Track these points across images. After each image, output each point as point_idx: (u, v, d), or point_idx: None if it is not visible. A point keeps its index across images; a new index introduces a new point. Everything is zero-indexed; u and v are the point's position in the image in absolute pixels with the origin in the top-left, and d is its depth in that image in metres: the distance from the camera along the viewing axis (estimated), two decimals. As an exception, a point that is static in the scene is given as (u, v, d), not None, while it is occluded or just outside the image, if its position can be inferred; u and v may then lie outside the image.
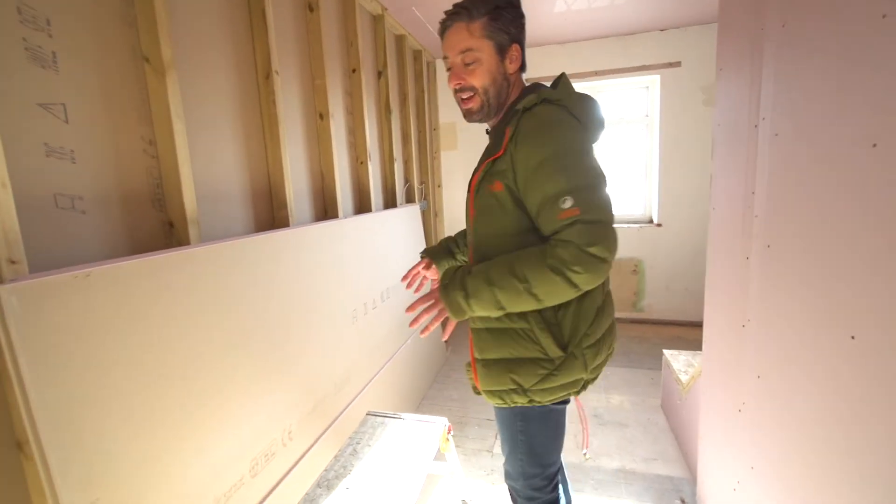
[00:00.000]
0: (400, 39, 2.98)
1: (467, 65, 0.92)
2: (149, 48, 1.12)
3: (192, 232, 1.19)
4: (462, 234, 1.23)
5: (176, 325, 1.02)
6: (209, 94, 1.35)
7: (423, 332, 0.91)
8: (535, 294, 0.81)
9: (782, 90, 0.99)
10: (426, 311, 0.90)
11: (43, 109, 0.91)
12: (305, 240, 1.58)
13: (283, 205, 1.62)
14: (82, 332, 0.83)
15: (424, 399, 2.51)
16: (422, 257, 1.23)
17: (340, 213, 2.04)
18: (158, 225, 1.17)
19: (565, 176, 0.80)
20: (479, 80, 0.92)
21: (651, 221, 3.62)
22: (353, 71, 2.28)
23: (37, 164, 0.90)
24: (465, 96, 0.95)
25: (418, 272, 1.20)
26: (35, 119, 0.90)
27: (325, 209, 2.01)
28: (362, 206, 2.38)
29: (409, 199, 3.16)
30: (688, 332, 3.42)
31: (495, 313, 0.87)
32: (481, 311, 0.86)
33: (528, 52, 3.60)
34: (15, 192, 0.82)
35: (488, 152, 0.93)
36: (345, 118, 2.24)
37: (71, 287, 0.81)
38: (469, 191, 0.95)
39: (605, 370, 2.83)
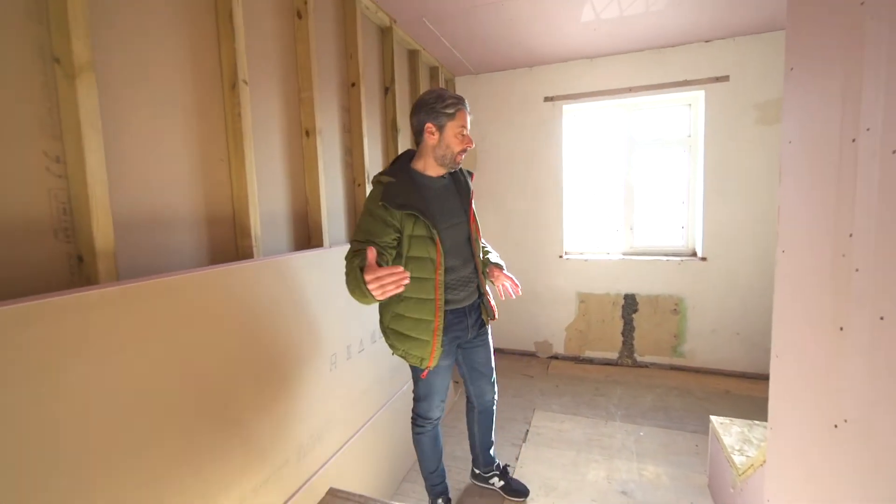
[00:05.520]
0: (413, 55, 2.79)
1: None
2: (60, 47, 0.92)
3: (104, 266, 0.97)
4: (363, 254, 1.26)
5: (77, 385, 0.79)
6: (152, 103, 1.15)
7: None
8: None
9: (904, 86, 0.66)
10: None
11: None
12: (274, 273, 1.34)
13: (247, 233, 1.39)
14: None
15: (415, 467, 2.13)
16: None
17: (326, 242, 1.79)
18: (62, 259, 0.96)
19: None
20: None
21: (694, 255, 3.18)
22: (353, 85, 2.08)
23: None
24: (465, 153, 1.49)
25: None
26: None
27: (309, 237, 1.78)
28: (358, 232, 2.14)
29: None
30: (738, 385, 2.92)
31: None
32: None
33: (551, 68, 3.30)
34: None
35: (466, 191, 1.60)
36: (341, 136, 2.03)
37: None
38: (472, 217, 1.59)
39: (639, 430, 2.41)
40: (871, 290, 0.72)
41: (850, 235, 0.77)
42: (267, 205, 1.56)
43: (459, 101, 1.43)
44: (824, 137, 0.85)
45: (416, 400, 1.68)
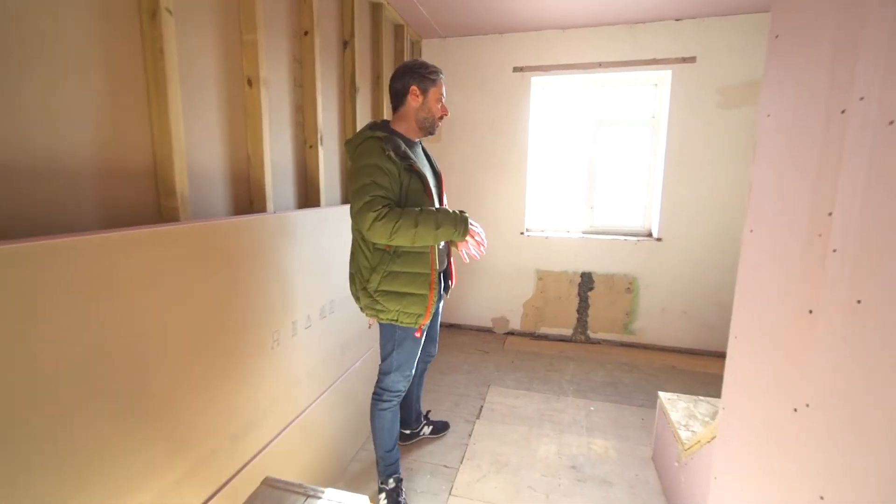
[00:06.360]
0: (377, 8, 2.56)
1: None
2: None
3: (-29, 224, 0.78)
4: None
5: None
6: (42, 25, 0.93)
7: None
8: None
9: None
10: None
11: None
12: (205, 240, 1.16)
13: (172, 192, 1.20)
14: None
15: (365, 446, 2.04)
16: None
17: (271, 207, 1.62)
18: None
19: None
20: None
21: (650, 235, 3.24)
22: (305, 34, 1.86)
23: None
24: (441, 121, 1.56)
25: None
26: None
27: (251, 201, 1.60)
28: (309, 198, 1.97)
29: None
30: (683, 361, 3.05)
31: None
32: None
33: (522, 36, 3.18)
34: None
35: (431, 158, 1.67)
36: (291, 90, 1.83)
37: None
38: (441, 181, 1.66)
39: (590, 405, 2.46)
40: (848, 273, 0.69)
41: (830, 214, 0.73)
42: (198, 162, 1.37)
43: (440, 71, 1.52)
44: (808, 109, 0.80)
45: (384, 373, 1.63)
